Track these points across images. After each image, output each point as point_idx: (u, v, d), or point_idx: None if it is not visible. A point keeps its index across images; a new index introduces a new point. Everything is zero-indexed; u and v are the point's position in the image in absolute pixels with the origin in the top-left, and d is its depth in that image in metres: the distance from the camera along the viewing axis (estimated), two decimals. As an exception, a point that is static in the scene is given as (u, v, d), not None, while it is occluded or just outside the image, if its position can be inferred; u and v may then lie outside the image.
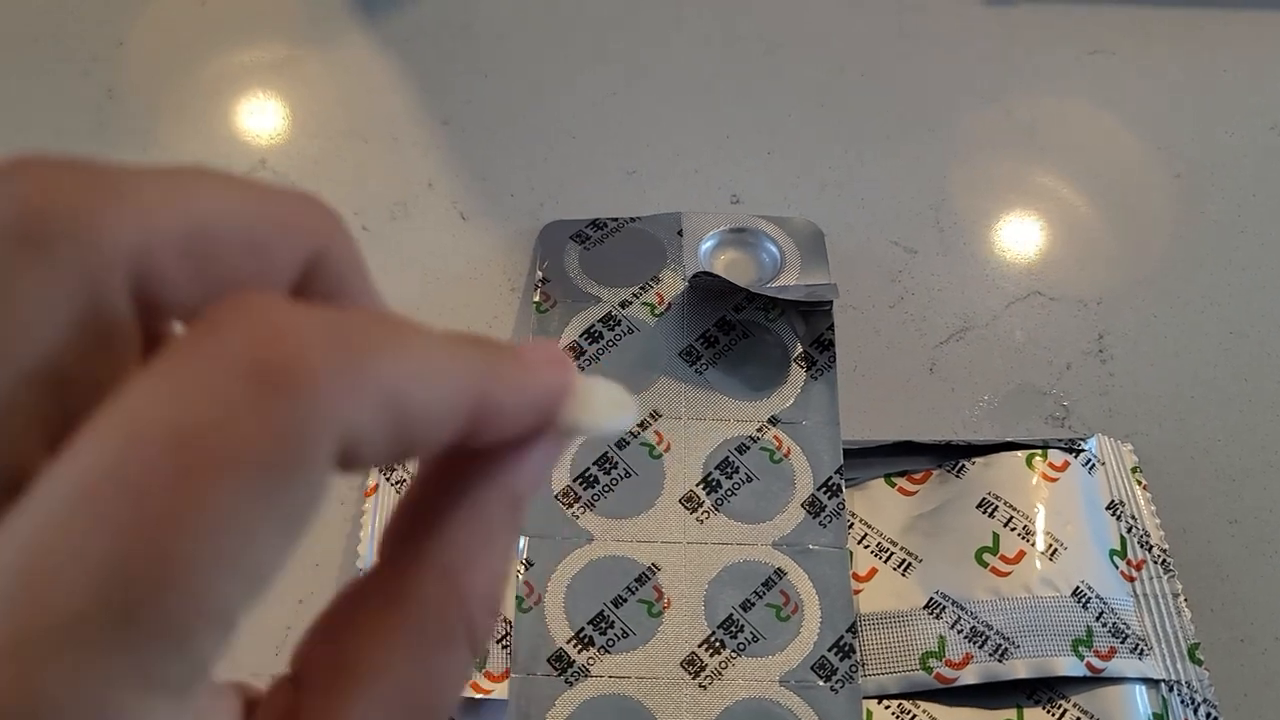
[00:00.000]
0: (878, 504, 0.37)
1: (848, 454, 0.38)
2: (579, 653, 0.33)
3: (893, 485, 0.38)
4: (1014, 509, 0.36)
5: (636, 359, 0.39)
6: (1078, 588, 0.34)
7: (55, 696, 0.12)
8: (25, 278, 0.13)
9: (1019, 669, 0.33)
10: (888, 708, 0.33)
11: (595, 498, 0.36)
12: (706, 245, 0.42)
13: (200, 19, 0.50)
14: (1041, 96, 0.49)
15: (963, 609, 0.34)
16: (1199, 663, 0.34)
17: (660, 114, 0.48)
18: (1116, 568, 0.36)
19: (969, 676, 0.33)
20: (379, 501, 0.36)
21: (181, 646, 0.13)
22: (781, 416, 0.38)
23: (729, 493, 0.36)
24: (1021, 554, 0.35)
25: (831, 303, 0.40)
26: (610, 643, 0.34)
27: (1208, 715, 0.33)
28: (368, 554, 0.35)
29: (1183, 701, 0.34)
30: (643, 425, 0.38)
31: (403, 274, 0.42)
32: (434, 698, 0.17)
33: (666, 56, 0.50)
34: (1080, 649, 0.33)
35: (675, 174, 0.46)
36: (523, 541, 0.35)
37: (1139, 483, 0.38)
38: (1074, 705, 0.33)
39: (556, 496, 0.36)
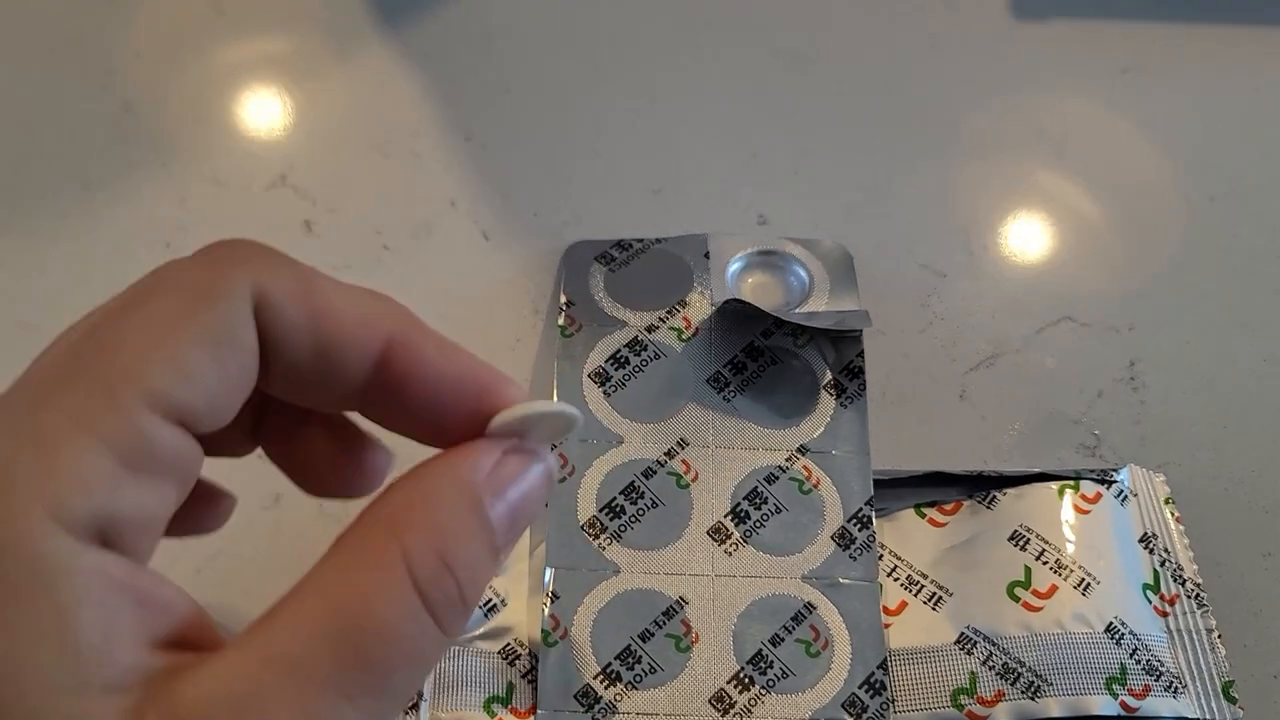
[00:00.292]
0: (908, 535, 0.37)
1: (877, 484, 0.37)
2: (606, 688, 0.33)
3: (923, 516, 0.37)
4: (1046, 542, 0.35)
5: (663, 385, 0.39)
6: (1111, 623, 0.34)
7: None
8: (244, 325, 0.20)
9: (1052, 707, 0.33)
10: (918, 746, 0.33)
11: (622, 528, 0.36)
12: (734, 268, 0.42)
13: (218, 31, 0.50)
14: (1073, 116, 0.48)
15: (994, 644, 0.34)
16: (1233, 700, 0.34)
17: (686, 132, 0.47)
18: (1150, 603, 0.35)
19: (1001, 714, 0.33)
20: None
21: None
22: (811, 445, 0.38)
23: (758, 524, 0.36)
24: (1054, 588, 0.35)
25: (862, 329, 0.39)
26: (638, 678, 0.33)
27: (1242, 755, 0.33)
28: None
29: (1217, 740, 0.33)
30: (670, 454, 0.37)
31: (426, 295, 0.42)
32: (361, 618, 0.18)
33: (692, 73, 0.49)
34: (1114, 687, 0.33)
35: (701, 193, 0.45)
36: (549, 574, 0.35)
37: (1172, 514, 0.37)
38: (1108, 745, 0.33)
39: (582, 527, 0.36)
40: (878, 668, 0.34)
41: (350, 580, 0.19)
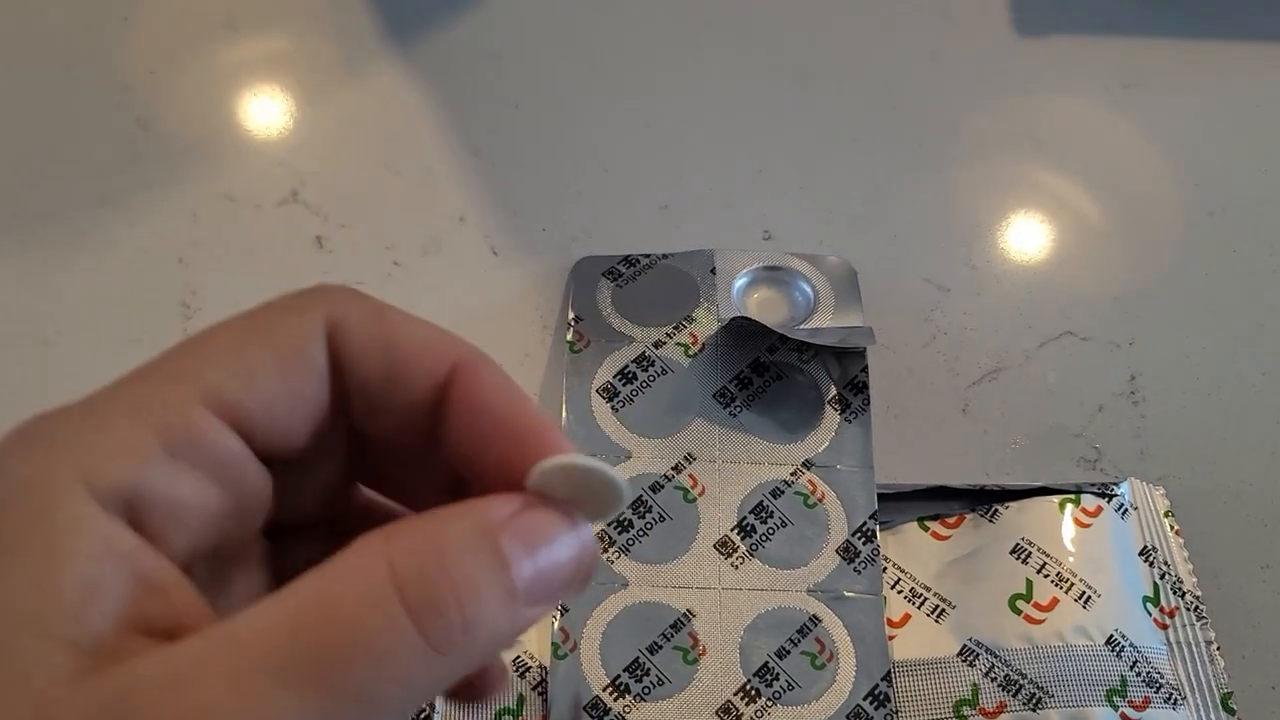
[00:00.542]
0: (911, 548, 0.37)
1: (881, 498, 0.38)
2: (615, 700, 0.34)
3: (926, 529, 0.38)
4: (1047, 555, 0.36)
5: (670, 401, 0.39)
6: (1111, 636, 0.35)
7: None
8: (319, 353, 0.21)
9: (1053, 719, 0.33)
10: (921, 756, 0.34)
11: (630, 542, 0.36)
12: (739, 283, 0.42)
13: (230, 49, 0.50)
14: (1075, 130, 0.49)
15: (996, 656, 0.34)
16: (1232, 712, 0.34)
17: (692, 148, 0.48)
18: (1150, 615, 0.36)
19: (1003, 726, 0.34)
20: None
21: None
22: (816, 460, 0.38)
23: (764, 538, 0.37)
24: (1055, 601, 0.35)
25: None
26: (646, 690, 0.34)
27: (1241, 765, 0.34)
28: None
29: (1216, 752, 0.34)
30: (677, 469, 0.38)
31: (436, 310, 0.42)
32: (322, 606, 0.17)
33: (698, 89, 0.50)
34: (1115, 699, 0.34)
35: (707, 209, 0.46)
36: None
37: (1171, 527, 0.38)
38: (1108, 756, 0.33)
39: (592, 541, 0.36)
40: (882, 679, 0.34)
41: (321, 575, 0.18)
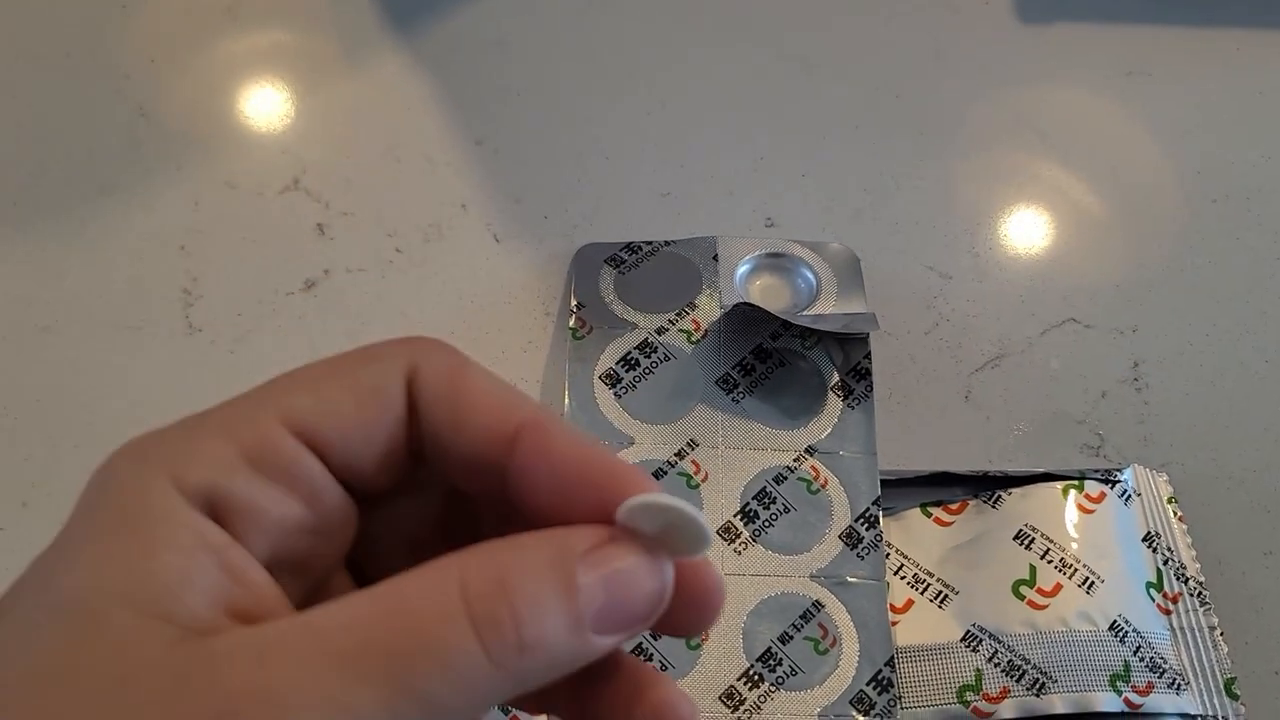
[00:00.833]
0: (914, 534, 0.37)
1: (884, 484, 0.38)
2: (619, 685, 0.33)
3: (929, 515, 0.38)
4: (1051, 541, 0.36)
5: (674, 387, 0.39)
6: (1115, 621, 0.35)
7: None
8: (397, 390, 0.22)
9: (1056, 704, 0.33)
10: (925, 741, 0.34)
11: (633, 528, 0.36)
12: (742, 270, 0.42)
13: (231, 37, 0.50)
14: (1078, 119, 0.49)
15: (1000, 642, 0.34)
16: (1235, 697, 0.34)
17: (694, 136, 0.48)
18: (1153, 601, 0.36)
19: (1006, 711, 0.33)
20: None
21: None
22: (819, 446, 0.38)
23: (766, 524, 0.37)
24: (1059, 587, 0.35)
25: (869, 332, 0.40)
26: (649, 675, 0.34)
27: (1244, 750, 0.34)
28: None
29: (1219, 737, 0.34)
30: (680, 455, 0.38)
31: (438, 297, 0.43)
32: (397, 613, 0.19)
33: (700, 78, 0.50)
34: (1118, 684, 0.34)
35: (709, 196, 0.46)
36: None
37: (1175, 514, 0.38)
38: (1111, 741, 0.33)
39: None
40: (885, 665, 0.34)
41: (402, 580, 0.19)
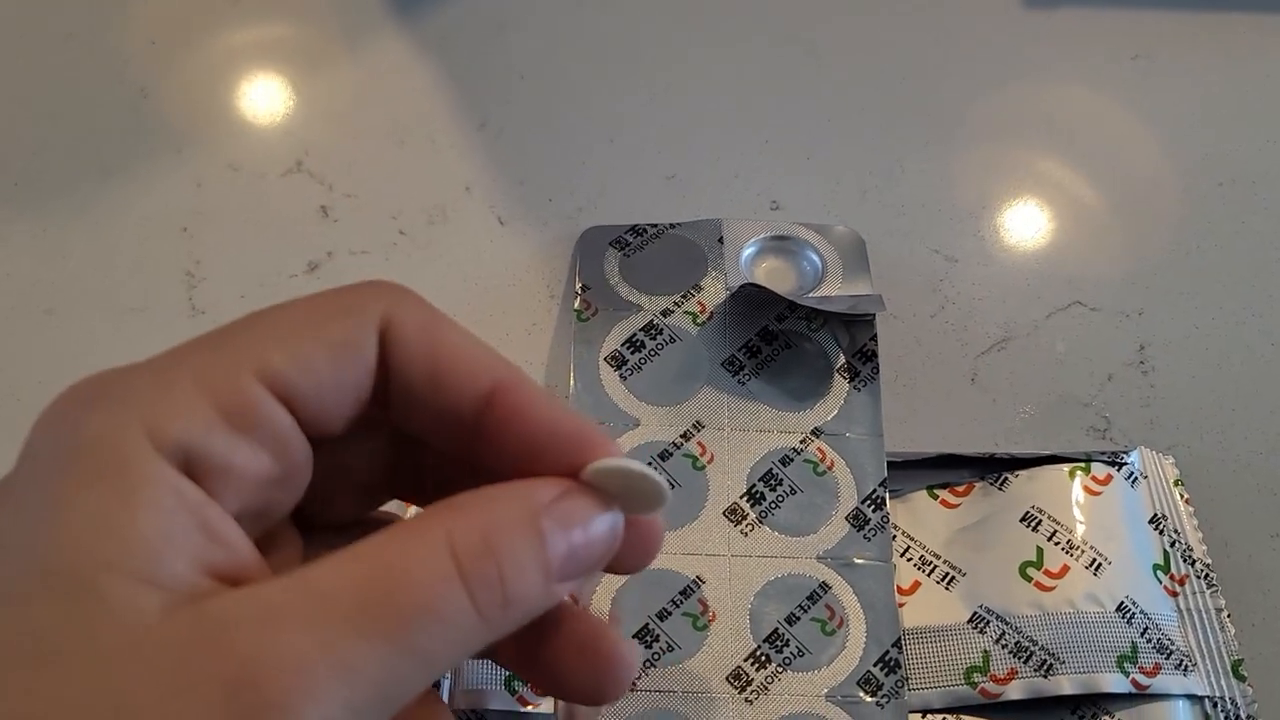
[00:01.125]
0: (920, 516, 0.37)
1: (890, 466, 0.38)
2: (625, 666, 0.33)
3: (935, 497, 0.38)
4: (1057, 523, 0.36)
5: (679, 369, 0.39)
6: (1122, 603, 0.34)
7: None
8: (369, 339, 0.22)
9: (1064, 685, 0.33)
10: (932, 722, 0.34)
11: (639, 509, 0.36)
12: (747, 253, 0.42)
13: (233, 18, 0.50)
14: (1083, 102, 0.49)
15: (1007, 624, 0.34)
16: (1242, 678, 0.34)
17: (698, 118, 0.48)
18: (1160, 583, 0.36)
19: (1014, 692, 0.33)
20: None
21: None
22: (825, 428, 0.38)
23: (773, 505, 0.36)
24: (1066, 568, 0.35)
25: (874, 313, 0.40)
26: (656, 656, 0.34)
27: (1251, 731, 0.34)
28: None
29: (1226, 717, 0.34)
30: (686, 436, 0.38)
31: (442, 280, 0.42)
32: (391, 568, 0.19)
33: (704, 60, 0.50)
34: (1125, 665, 0.33)
35: (714, 179, 0.46)
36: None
37: (1181, 496, 0.38)
38: (1118, 721, 0.33)
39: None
40: (892, 646, 0.34)
41: (390, 541, 0.20)
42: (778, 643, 0.34)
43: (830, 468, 0.37)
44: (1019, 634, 0.34)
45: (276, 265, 0.43)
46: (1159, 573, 0.36)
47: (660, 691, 0.33)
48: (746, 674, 0.33)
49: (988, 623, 0.34)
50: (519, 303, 0.42)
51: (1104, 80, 0.49)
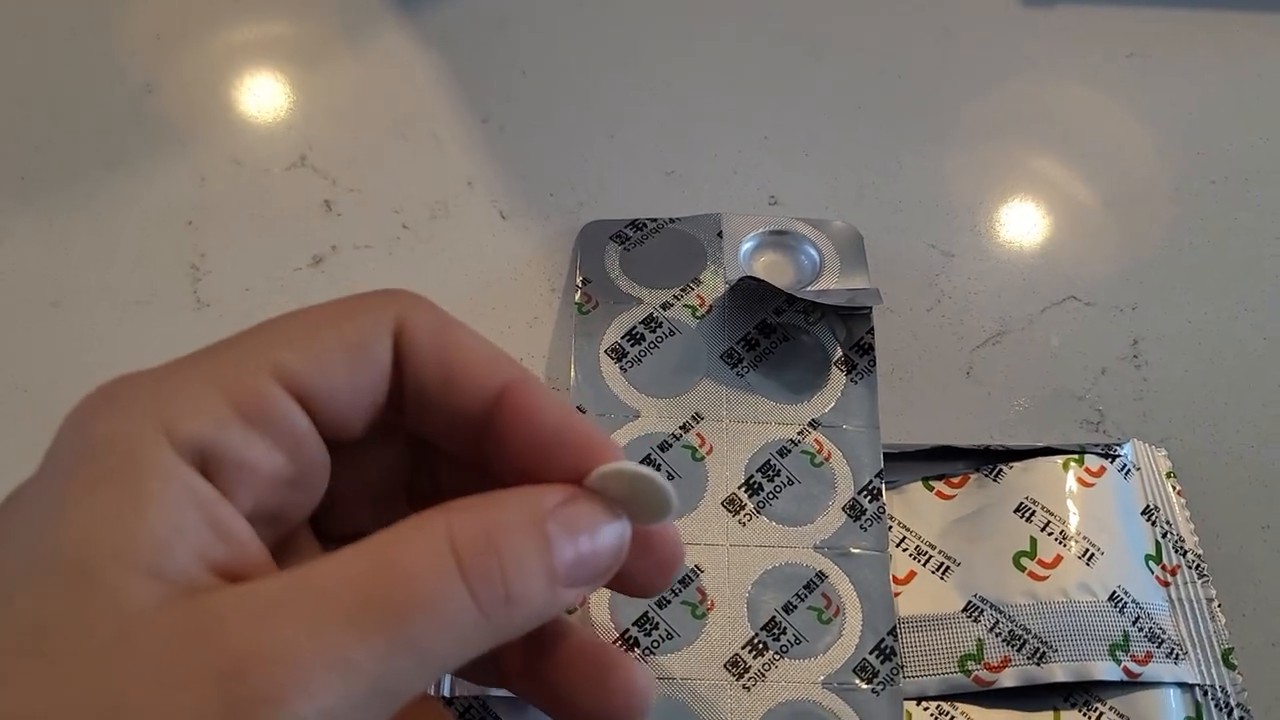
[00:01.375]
0: (916, 507, 0.38)
1: (887, 457, 0.38)
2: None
3: (931, 489, 0.38)
4: (1051, 514, 0.36)
5: (678, 361, 0.39)
6: (1114, 593, 0.35)
7: None
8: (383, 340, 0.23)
9: (1057, 673, 0.34)
10: (926, 709, 0.34)
11: (639, 499, 0.37)
12: (746, 247, 0.43)
13: (236, 13, 0.51)
14: (1079, 100, 0.49)
15: (1001, 613, 0.35)
16: (1233, 667, 0.35)
17: (698, 114, 0.48)
18: (1152, 573, 0.36)
19: (1007, 680, 0.34)
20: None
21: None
22: (822, 420, 0.38)
23: (770, 495, 0.37)
24: (1059, 558, 0.36)
25: (871, 307, 0.40)
26: (655, 644, 0.34)
27: (1240, 719, 0.34)
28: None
29: (1217, 706, 0.34)
30: (685, 428, 0.38)
31: (444, 273, 0.43)
32: (390, 564, 0.19)
33: (705, 56, 0.50)
34: (1117, 653, 0.34)
35: (713, 175, 0.46)
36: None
37: (1173, 488, 0.38)
38: (1110, 709, 0.34)
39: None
40: (888, 634, 0.34)
41: (390, 536, 0.20)
42: (775, 631, 0.35)
43: (827, 459, 0.38)
44: (1013, 623, 0.35)
45: (281, 259, 0.43)
46: (1151, 563, 0.36)
47: (659, 679, 0.34)
48: (744, 661, 0.34)
49: (982, 612, 0.35)
50: (520, 296, 0.42)
51: (1100, 78, 0.50)
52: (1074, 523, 0.36)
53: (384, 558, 0.19)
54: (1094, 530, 0.36)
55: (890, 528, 0.37)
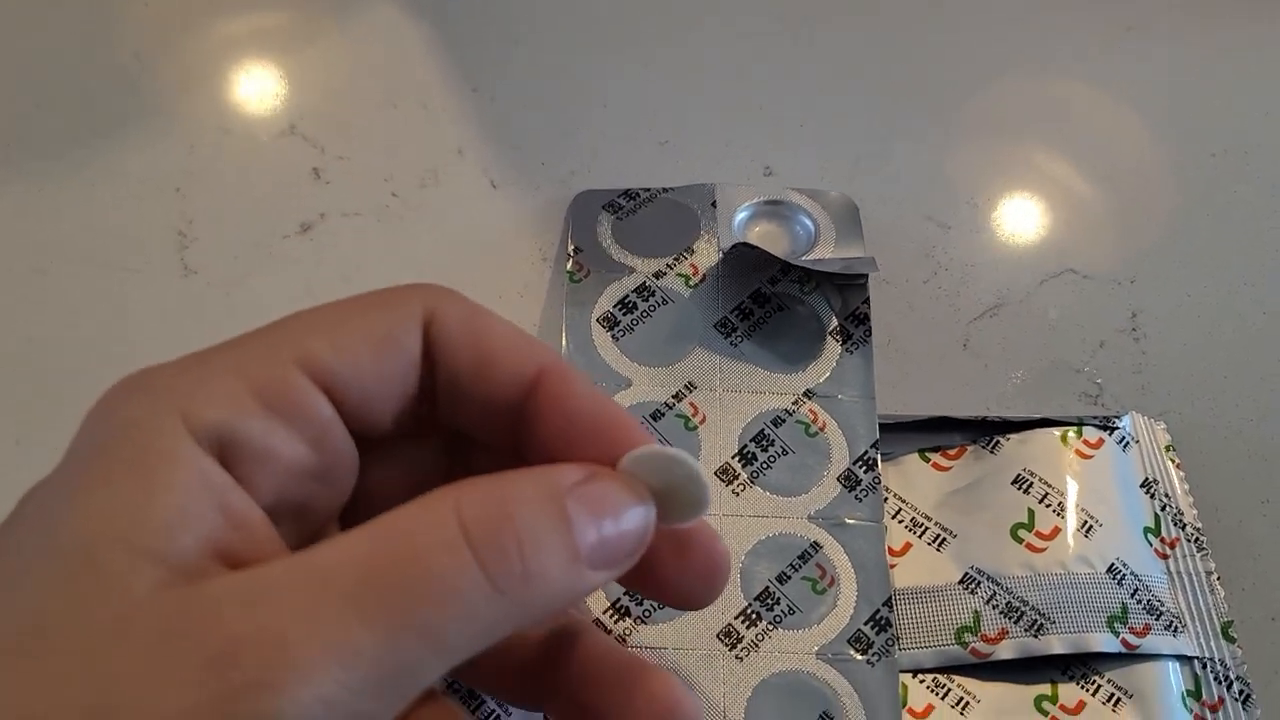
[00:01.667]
0: (912, 479, 0.37)
1: (882, 428, 0.37)
2: (616, 623, 0.33)
3: (927, 460, 0.38)
4: (1049, 485, 0.36)
5: (671, 330, 0.39)
6: (1113, 565, 0.35)
7: None
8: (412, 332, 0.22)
9: (1054, 645, 0.33)
10: (922, 681, 0.34)
11: (631, 469, 0.36)
12: (740, 217, 0.42)
13: (227, -18, 0.50)
14: (1077, 73, 0.49)
15: (998, 584, 0.34)
16: (1232, 640, 0.34)
17: (692, 84, 0.48)
18: (1150, 545, 0.36)
19: (1004, 651, 0.33)
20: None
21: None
22: (817, 390, 0.38)
23: (765, 465, 0.36)
24: (1057, 530, 0.35)
25: (867, 276, 0.40)
26: (647, 613, 0.34)
27: (1240, 692, 0.34)
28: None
29: (1215, 678, 0.34)
30: (677, 397, 0.38)
31: (434, 242, 0.42)
32: (394, 544, 0.18)
33: (700, 26, 0.50)
34: (1115, 625, 0.34)
35: (708, 145, 0.46)
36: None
37: (1172, 461, 0.38)
38: (1108, 681, 0.33)
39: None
40: (883, 605, 0.34)
41: (396, 517, 0.19)
42: (768, 601, 0.34)
43: (822, 429, 0.37)
44: (1010, 594, 0.34)
45: (269, 226, 0.42)
46: (1149, 535, 0.36)
47: (651, 649, 0.33)
48: (737, 632, 0.33)
49: (979, 583, 0.35)
50: (511, 265, 0.42)
51: (1098, 50, 0.49)
52: (1072, 495, 0.36)
53: (386, 534, 0.19)
54: (1092, 502, 0.36)
55: (886, 499, 0.36)
